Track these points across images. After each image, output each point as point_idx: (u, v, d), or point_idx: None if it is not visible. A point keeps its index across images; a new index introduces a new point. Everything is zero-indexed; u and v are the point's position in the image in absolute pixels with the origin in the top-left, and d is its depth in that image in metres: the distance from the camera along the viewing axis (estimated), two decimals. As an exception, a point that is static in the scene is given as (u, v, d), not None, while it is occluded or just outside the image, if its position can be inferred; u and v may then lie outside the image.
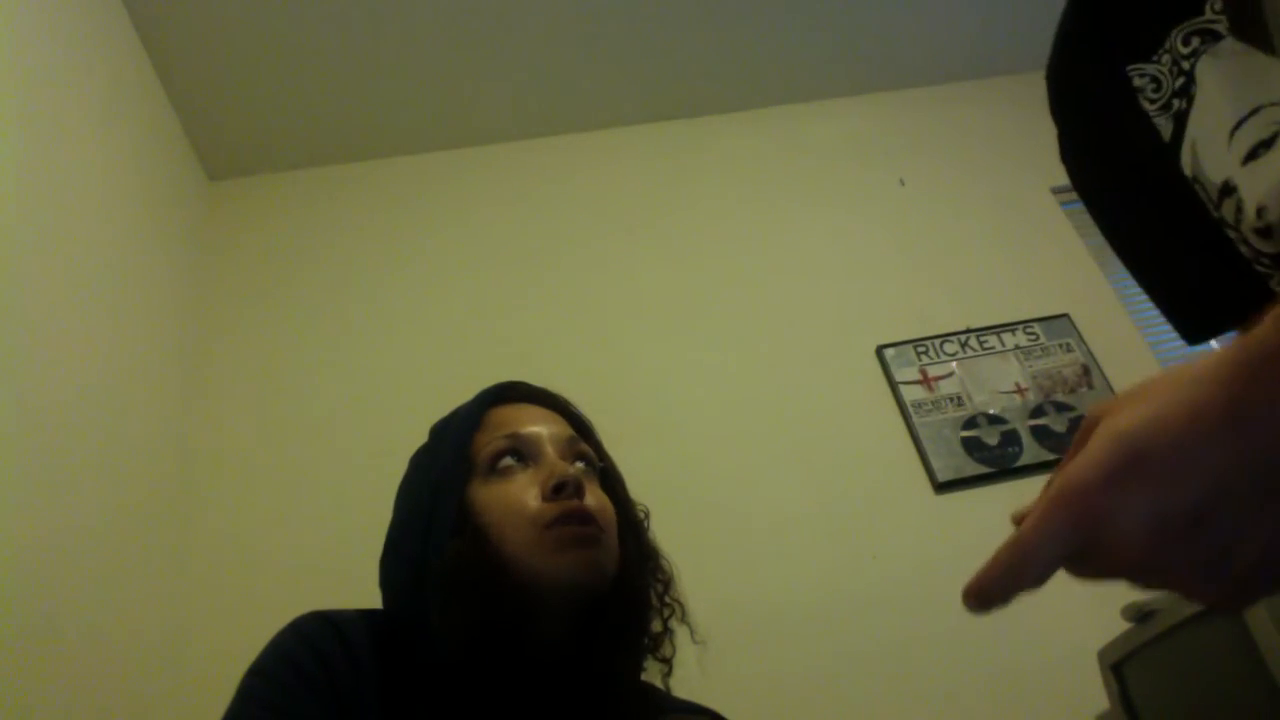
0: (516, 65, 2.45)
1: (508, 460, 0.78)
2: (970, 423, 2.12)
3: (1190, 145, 0.43)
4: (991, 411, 2.14)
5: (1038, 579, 0.32)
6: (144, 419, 1.86)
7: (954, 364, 2.23)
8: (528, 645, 0.72)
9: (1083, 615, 1.71)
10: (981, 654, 1.81)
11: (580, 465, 0.81)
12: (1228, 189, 0.41)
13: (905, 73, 2.78)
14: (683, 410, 2.14)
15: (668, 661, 0.82)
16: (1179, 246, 0.47)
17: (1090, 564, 0.32)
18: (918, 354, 2.24)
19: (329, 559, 1.79)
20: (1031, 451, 2.08)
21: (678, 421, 2.12)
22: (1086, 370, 2.22)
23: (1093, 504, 0.30)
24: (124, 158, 1.98)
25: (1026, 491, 1.67)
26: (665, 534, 0.88)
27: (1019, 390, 2.18)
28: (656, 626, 0.81)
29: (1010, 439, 2.10)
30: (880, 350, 2.24)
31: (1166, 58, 0.44)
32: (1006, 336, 2.28)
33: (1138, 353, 2.27)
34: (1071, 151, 0.54)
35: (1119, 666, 1.23)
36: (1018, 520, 0.34)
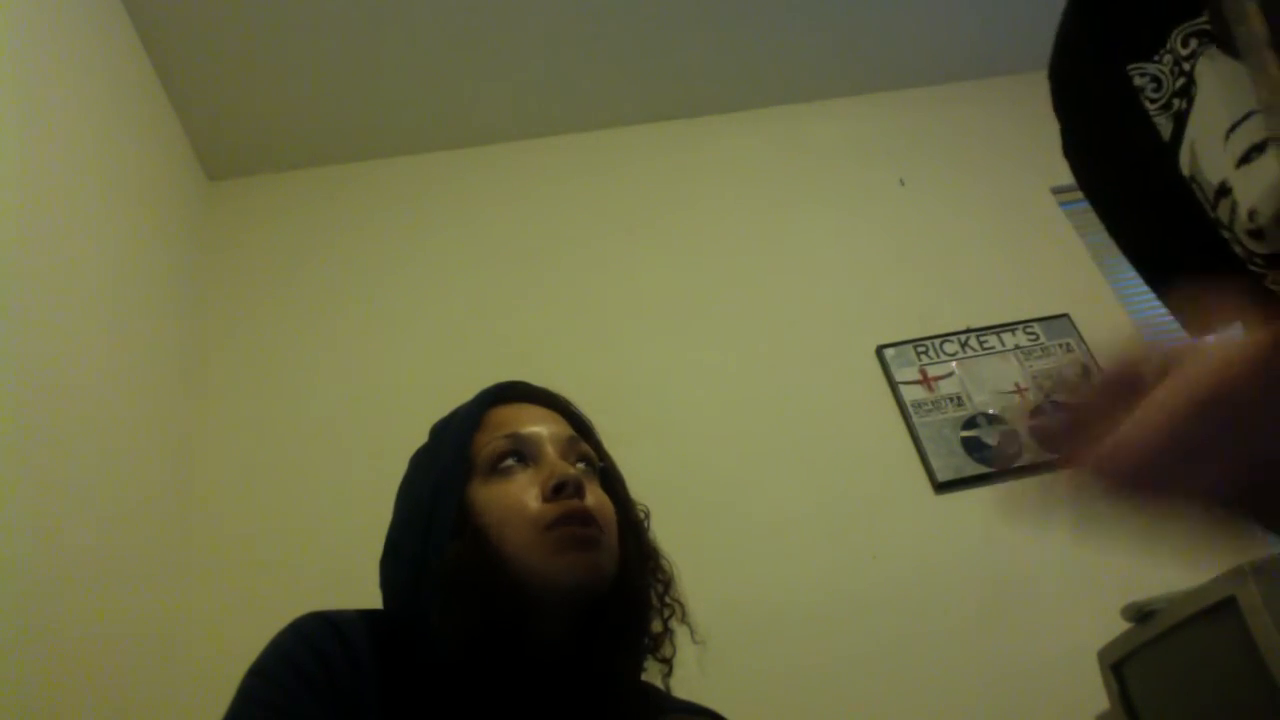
0: (516, 65, 2.45)
1: (508, 460, 0.78)
2: (970, 423, 2.12)
3: (1189, 145, 0.44)
4: (991, 411, 2.14)
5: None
6: (143, 419, 1.86)
7: (954, 364, 2.23)
8: (528, 645, 0.72)
9: (1083, 615, 1.72)
10: (981, 654, 1.81)
11: (580, 465, 0.81)
12: (1224, 190, 0.41)
13: (905, 73, 2.78)
14: (683, 410, 2.14)
15: (668, 662, 0.82)
16: (1178, 244, 0.47)
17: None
18: (918, 354, 2.24)
19: (329, 559, 1.79)
20: (1031, 451, 2.08)
21: (678, 421, 2.12)
22: (1086, 370, 2.22)
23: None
24: (123, 158, 1.98)
25: (1027, 492, 1.64)
26: (665, 534, 0.88)
27: (1019, 390, 2.18)
28: (656, 626, 0.81)
29: (1010, 439, 2.10)
30: (880, 350, 2.24)
31: (1168, 58, 0.45)
32: (1006, 336, 2.28)
33: (1138, 353, 2.27)
34: (1074, 149, 0.55)
35: (1119, 666, 1.23)
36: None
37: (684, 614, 0.84)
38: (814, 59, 2.67)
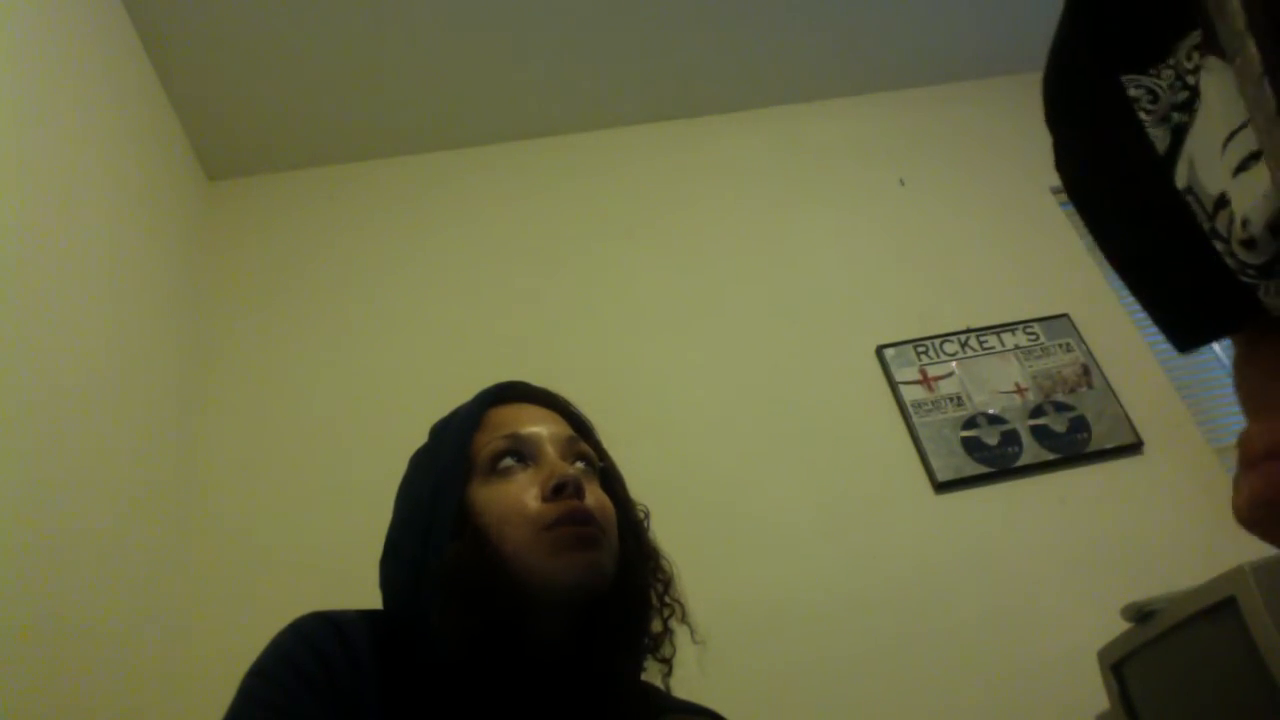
0: (516, 65, 2.45)
1: (508, 460, 0.78)
2: (970, 423, 2.12)
3: (1187, 158, 0.44)
4: (991, 411, 2.14)
5: None
6: (144, 419, 1.86)
7: (954, 364, 2.23)
8: (528, 645, 0.72)
9: (1083, 615, 1.72)
10: (981, 654, 1.81)
11: (580, 465, 0.81)
12: (1223, 201, 0.41)
13: (905, 73, 2.78)
14: (683, 410, 2.14)
15: (668, 661, 0.82)
16: (1168, 257, 0.47)
17: None
18: (918, 354, 2.24)
19: (329, 559, 1.79)
20: (1031, 451, 2.08)
21: (678, 421, 2.12)
22: (1086, 370, 2.22)
23: None
24: (123, 157, 1.98)
25: (1026, 491, 1.67)
26: (665, 534, 0.88)
27: (1019, 390, 2.18)
28: (656, 626, 0.81)
29: (1010, 439, 2.10)
30: (880, 350, 2.25)
31: (1169, 72, 0.45)
32: (1006, 336, 2.28)
33: (1137, 352, 2.27)
34: (1066, 160, 0.55)
35: (1119, 666, 1.23)
36: None
37: (684, 614, 0.84)
38: (814, 59, 2.67)
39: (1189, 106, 0.44)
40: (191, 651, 1.77)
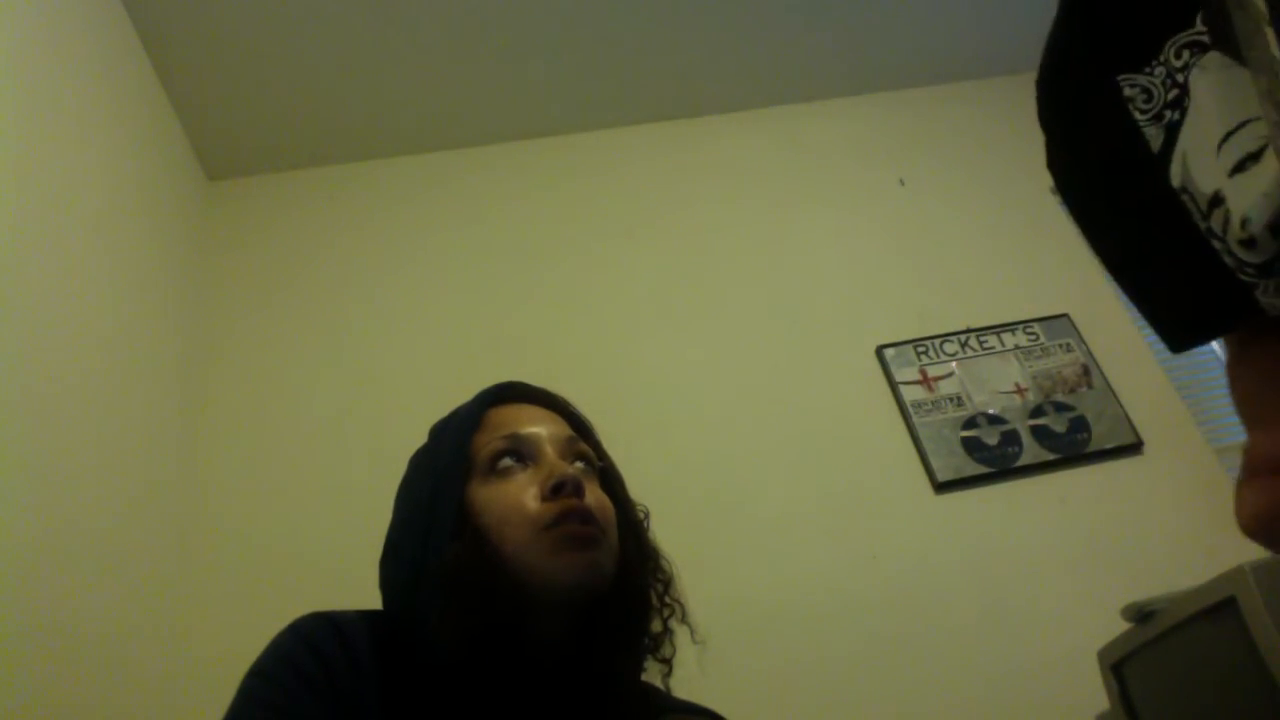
0: (516, 65, 2.45)
1: (507, 460, 0.78)
2: (970, 423, 2.12)
3: (1181, 157, 0.44)
4: (991, 411, 2.14)
5: None
6: (144, 419, 1.86)
7: (954, 364, 2.23)
8: (527, 646, 0.72)
9: (1083, 615, 1.72)
10: (981, 653, 1.81)
11: (580, 465, 0.81)
12: (1217, 200, 0.42)
13: (905, 73, 2.78)
14: (683, 410, 2.14)
15: (668, 661, 0.81)
16: (1162, 256, 0.47)
17: None
18: (918, 354, 2.24)
19: (329, 559, 1.79)
20: (1031, 451, 2.08)
21: (677, 421, 2.12)
22: (1086, 370, 2.22)
23: None
24: (123, 157, 1.98)
25: (1026, 491, 1.67)
26: (665, 534, 0.88)
27: (1019, 390, 2.18)
28: (657, 626, 0.81)
29: (1010, 439, 2.10)
30: (880, 350, 2.25)
31: (1160, 70, 0.45)
32: (1006, 336, 2.28)
33: (1137, 352, 2.27)
34: (1059, 160, 0.55)
35: (1119, 666, 1.23)
36: None
37: (684, 614, 0.84)
38: (814, 59, 2.67)
39: (1179, 104, 0.44)
40: (191, 652, 1.77)
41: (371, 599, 0.81)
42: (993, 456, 2.07)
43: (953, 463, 2.06)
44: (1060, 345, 2.26)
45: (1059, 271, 2.41)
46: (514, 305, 2.32)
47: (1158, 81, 0.45)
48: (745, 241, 2.46)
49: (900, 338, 2.26)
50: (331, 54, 2.30)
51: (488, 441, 0.79)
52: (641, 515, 0.87)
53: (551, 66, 2.48)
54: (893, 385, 2.19)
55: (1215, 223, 0.42)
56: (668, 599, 0.83)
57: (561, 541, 0.73)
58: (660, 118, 2.70)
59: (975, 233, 2.50)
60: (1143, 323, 2.32)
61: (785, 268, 2.41)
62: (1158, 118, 0.44)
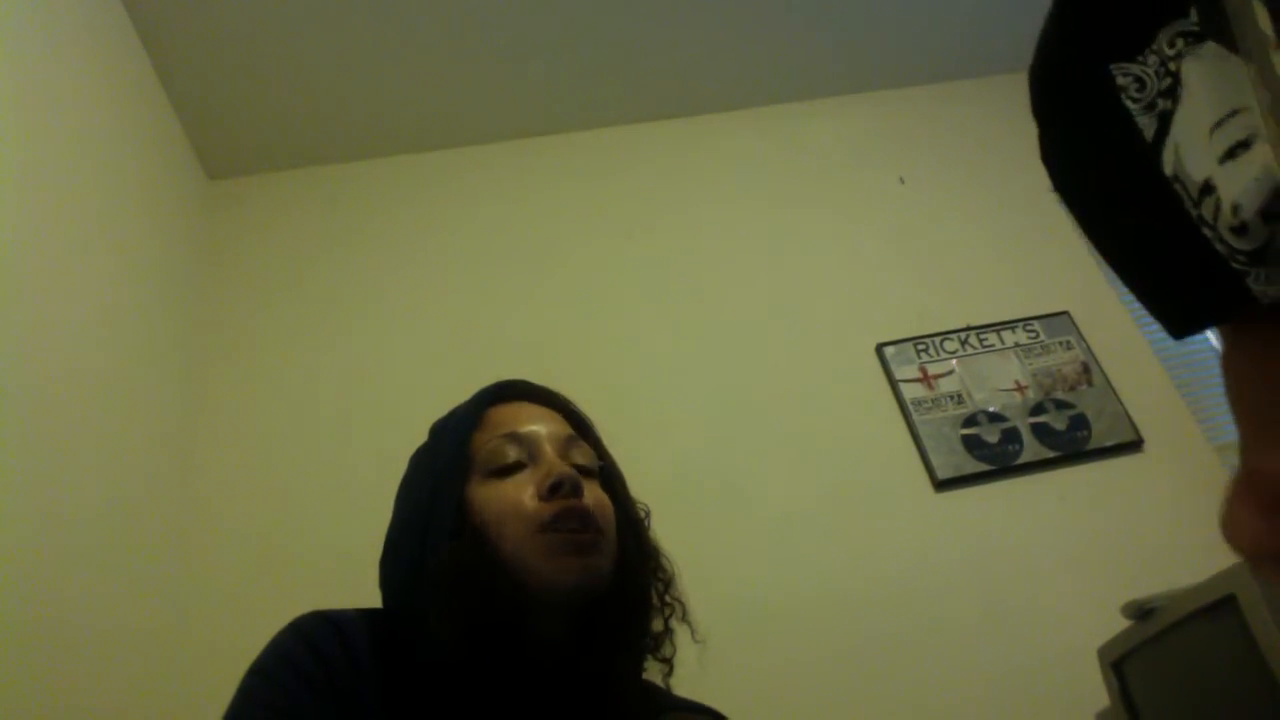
0: (516, 65, 2.45)
1: (506, 459, 0.78)
2: (970, 420, 2.12)
3: (1173, 145, 0.44)
4: (991, 409, 2.14)
5: None
6: (144, 418, 1.86)
7: (954, 362, 2.23)
8: (527, 645, 0.72)
9: (1083, 613, 1.72)
10: (981, 651, 1.81)
11: (579, 464, 0.81)
12: (1208, 188, 0.42)
13: (905, 71, 2.78)
14: (683, 410, 2.14)
15: (668, 661, 0.82)
16: (1158, 245, 0.47)
17: None
18: (918, 352, 2.24)
19: (329, 558, 1.79)
20: (1032, 449, 2.08)
21: (678, 421, 2.12)
22: (1086, 368, 2.22)
23: None
24: (123, 157, 1.98)
25: (1027, 489, 1.67)
26: (665, 534, 0.88)
27: (1019, 388, 2.18)
28: (657, 626, 0.81)
29: (1010, 437, 2.10)
30: (880, 348, 2.25)
31: (1153, 59, 0.45)
32: (1006, 334, 2.28)
33: (1137, 350, 2.27)
34: (1052, 151, 0.55)
35: (1119, 664, 1.23)
36: None
37: (684, 613, 0.84)
38: (814, 58, 2.67)
39: (1172, 93, 0.44)
40: (191, 651, 1.77)
41: (371, 598, 0.81)
42: (993, 454, 2.07)
43: (953, 460, 2.06)
44: (1060, 343, 2.26)
45: (1059, 269, 2.41)
46: (515, 303, 2.32)
47: (1150, 70, 0.45)
48: (745, 239, 2.46)
49: (900, 336, 2.26)
50: (331, 54, 2.30)
51: (487, 440, 0.79)
52: (642, 514, 0.87)
53: (551, 66, 2.48)
54: (892, 383, 2.19)
55: (1206, 210, 0.42)
56: (668, 598, 0.83)
57: (558, 546, 0.73)
58: (660, 116, 2.70)
59: (975, 230, 2.50)
60: (1143, 320, 2.32)
61: (785, 265, 2.41)
62: (1150, 106, 0.45)
